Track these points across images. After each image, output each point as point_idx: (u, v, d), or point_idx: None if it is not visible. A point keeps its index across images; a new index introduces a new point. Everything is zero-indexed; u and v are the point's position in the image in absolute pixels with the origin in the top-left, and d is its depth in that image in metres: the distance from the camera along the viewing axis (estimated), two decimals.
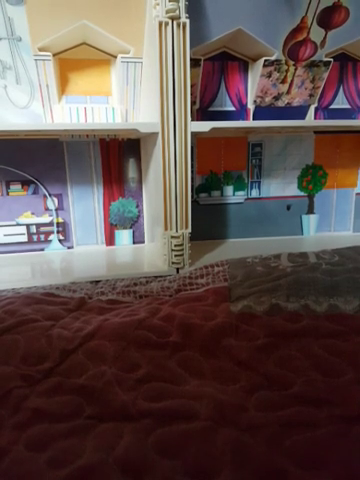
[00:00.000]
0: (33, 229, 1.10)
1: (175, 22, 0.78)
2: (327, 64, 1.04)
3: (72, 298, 0.75)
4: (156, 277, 0.88)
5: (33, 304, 0.70)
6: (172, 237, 0.90)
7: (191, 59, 0.85)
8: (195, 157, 1.15)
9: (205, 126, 0.87)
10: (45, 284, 0.84)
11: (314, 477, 0.34)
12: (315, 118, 1.14)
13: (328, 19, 0.95)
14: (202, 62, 1.00)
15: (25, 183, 1.07)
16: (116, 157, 1.11)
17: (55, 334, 0.58)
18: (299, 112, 1.12)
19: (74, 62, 0.99)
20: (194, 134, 0.88)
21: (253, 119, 1.11)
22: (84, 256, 1.08)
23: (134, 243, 1.18)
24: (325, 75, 1.06)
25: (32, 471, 0.35)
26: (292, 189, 1.23)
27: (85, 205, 1.12)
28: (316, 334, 0.57)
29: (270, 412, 0.42)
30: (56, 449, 0.38)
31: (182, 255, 0.92)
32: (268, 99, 1.08)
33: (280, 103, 1.09)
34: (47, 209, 1.10)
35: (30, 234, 1.11)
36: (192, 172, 1.13)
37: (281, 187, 1.22)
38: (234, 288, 0.72)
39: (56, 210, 1.11)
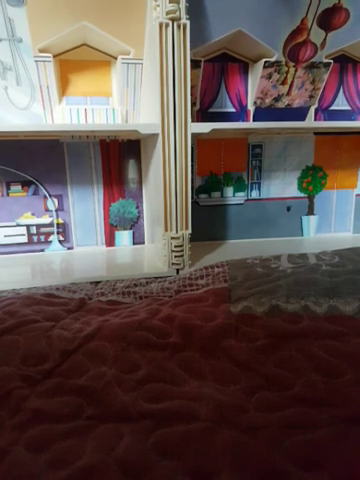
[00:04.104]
0: (33, 230, 1.10)
1: (175, 23, 0.79)
2: (327, 65, 1.04)
3: (72, 299, 0.75)
4: (156, 278, 0.88)
5: (33, 305, 0.70)
6: (172, 238, 0.90)
7: (191, 60, 0.85)
8: (195, 158, 1.15)
9: (205, 127, 0.87)
10: (45, 285, 0.84)
11: (314, 478, 0.34)
12: (315, 119, 1.14)
13: (328, 20, 0.95)
14: (202, 63, 1.00)
15: (25, 184, 1.07)
16: (116, 158, 1.11)
17: (55, 335, 0.58)
18: (299, 113, 1.12)
19: (74, 63, 0.99)
20: (194, 135, 0.88)
21: (253, 120, 1.11)
22: (84, 257, 1.08)
23: (134, 244, 1.18)
24: (325, 76, 1.06)
25: (32, 472, 0.35)
26: (292, 190, 1.23)
27: (85, 206, 1.13)
28: (316, 335, 0.56)
29: (270, 413, 0.41)
30: (56, 450, 0.38)
31: (182, 256, 0.92)
32: (268, 100, 1.08)
33: (280, 104, 1.09)
34: (47, 210, 1.10)
35: (30, 235, 1.11)
36: (192, 173, 1.13)
37: (281, 188, 1.22)
38: (234, 289, 0.72)
39: (56, 211, 1.11)
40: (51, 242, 1.12)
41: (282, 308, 0.64)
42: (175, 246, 0.91)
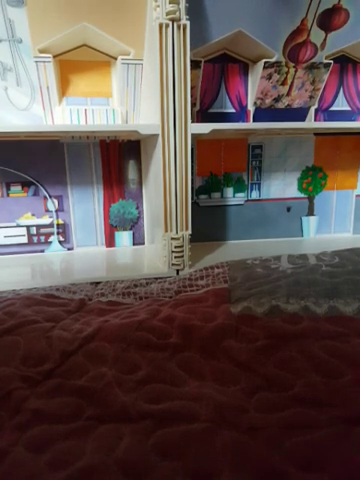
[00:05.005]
0: (33, 230, 1.10)
1: (175, 24, 0.79)
2: (327, 66, 1.04)
3: (72, 299, 0.75)
4: (156, 278, 0.88)
5: (33, 305, 0.70)
6: (172, 238, 0.90)
7: (191, 61, 0.85)
8: (195, 159, 1.15)
9: (205, 128, 0.87)
10: (45, 285, 0.84)
11: (314, 479, 0.34)
12: (315, 120, 1.14)
13: (328, 21, 0.95)
14: (202, 64, 1.00)
15: (25, 184, 1.07)
16: (116, 159, 1.11)
17: (55, 335, 0.58)
18: (299, 114, 1.13)
19: (74, 64, 1.00)
20: (194, 136, 0.88)
21: (253, 121, 1.11)
22: (84, 257, 1.08)
23: (134, 244, 1.18)
24: (325, 77, 1.06)
25: (32, 472, 0.35)
26: (292, 191, 1.23)
27: (85, 207, 1.13)
28: (316, 336, 0.56)
29: (270, 414, 0.41)
30: (56, 450, 0.38)
31: (182, 257, 0.92)
32: (268, 101, 1.09)
33: (280, 105, 1.09)
34: (47, 210, 1.10)
35: (30, 235, 1.11)
36: (192, 174, 1.13)
37: (281, 189, 1.22)
38: (234, 290, 0.72)
39: (56, 211, 1.11)
40: (51, 243, 1.12)
41: (282, 309, 0.64)
42: (175, 247, 0.91)
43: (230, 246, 1.18)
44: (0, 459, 0.37)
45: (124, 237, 1.17)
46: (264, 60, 1.00)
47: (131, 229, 1.17)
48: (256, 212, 1.22)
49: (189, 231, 0.91)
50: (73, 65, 1.00)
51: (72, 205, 1.12)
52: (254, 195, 1.21)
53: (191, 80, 0.83)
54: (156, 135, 0.86)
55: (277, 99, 1.08)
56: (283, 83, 1.05)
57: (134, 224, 1.17)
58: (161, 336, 0.58)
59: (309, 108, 1.12)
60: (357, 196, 1.27)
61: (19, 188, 1.07)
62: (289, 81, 1.05)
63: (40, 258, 1.09)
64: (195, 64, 0.98)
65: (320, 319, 0.61)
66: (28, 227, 1.10)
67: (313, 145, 1.20)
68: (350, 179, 1.25)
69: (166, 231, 0.90)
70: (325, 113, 1.16)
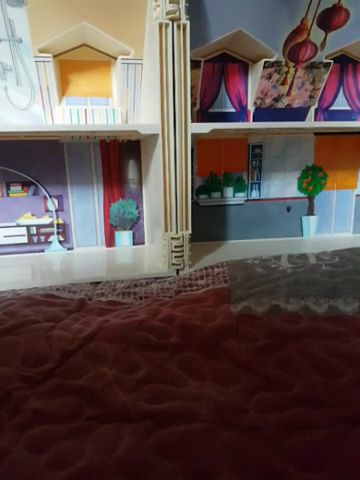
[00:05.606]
0: (33, 230, 1.10)
1: (175, 24, 0.79)
2: (327, 66, 1.04)
3: (72, 299, 0.75)
4: (156, 278, 0.88)
5: (33, 305, 0.70)
6: (172, 238, 0.90)
7: (191, 60, 0.85)
8: (195, 158, 1.15)
9: (205, 127, 0.87)
10: (45, 285, 0.84)
11: (314, 479, 0.34)
12: (315, 119, 1.14)
13: (328, 20, 0.95)
14: (202, 63, 1.00)
15: (25, 184, 1.07)
16: (116, 158, 1.11)
17: (55, 335, 0.58)
18: (299, 113, 1.12)
19: (74, 64, 0.99)
20: (194, 135, 0.88)
21: (253, 120, 1.11)
22: (84, 257, 1.08)
23: (134, 244, 1.18)
24: (325, 77, 1.06)
25: (32, 472, 0.35)
26: (292, 190, 1.23)
27: (85, 206, 1.13)
28: (316, 335, 0.56)
29: (270, 413, 0.41)
30: (56, 450, 0.38)
31: (182, 256, 0.92)
32: (268, 100, 1.08)
33: (280, 104, 1.09)
34: (47, 210, 1.10)
35: (30, 235, 1.11)
36: (192, 173, 1.13)
37: (281, 188, 1.22)
38: (234, 289, 0.72)
39: (56, 211, 1.11)
40: (51, 242, 1.12)
41: (282, 308, 0.64)
42: (175, 246, 0.91)
43: (230, 246, 1.18)
44: (0, 459, 0.37)
45: (124, 237, 1.17)
46: (264, 60, 1.00)
47: (131, 229, 1.17)
48: (256, 212, 1.22)
49: (189, 231, 0.91)
50: (73, 65, 1.00)
51: (72, 205, 1.12)
52: (254, 195, 1.21)
53: (191, 80, 0.83)
54: (156, 135, 0.86)
55: (277, 99, 1.08)
56: (283, 83, 1.05)
57: (134, 224, 1.17)
58: (161, 336, 0.58)
59: (309, 108, 1.12)
60: (357, 196, 1.27)
61: (19, 188, 1.07)
62: (289, 81, 1.05)
63: (40, 258, 1.09)
64: (195, 64, 0.98)
65: (320, 319, 0.61)
66: (28, 227, 1.10)
67: (313, 145, 1.20)
68: (350, 179, 1.25)
69: (166, 231, 0.90)
70: (325, 113, 1.16)
